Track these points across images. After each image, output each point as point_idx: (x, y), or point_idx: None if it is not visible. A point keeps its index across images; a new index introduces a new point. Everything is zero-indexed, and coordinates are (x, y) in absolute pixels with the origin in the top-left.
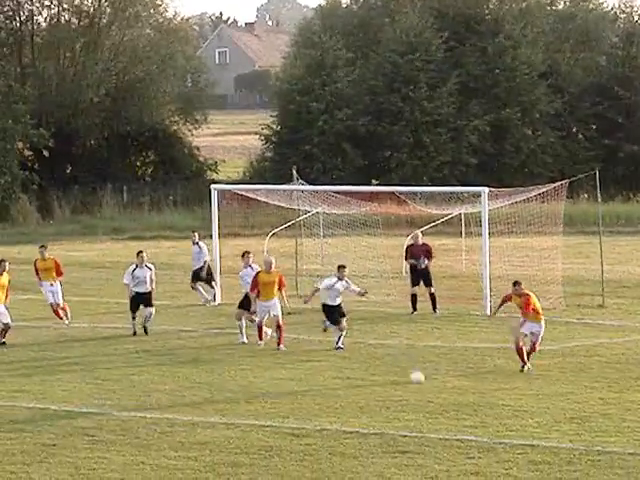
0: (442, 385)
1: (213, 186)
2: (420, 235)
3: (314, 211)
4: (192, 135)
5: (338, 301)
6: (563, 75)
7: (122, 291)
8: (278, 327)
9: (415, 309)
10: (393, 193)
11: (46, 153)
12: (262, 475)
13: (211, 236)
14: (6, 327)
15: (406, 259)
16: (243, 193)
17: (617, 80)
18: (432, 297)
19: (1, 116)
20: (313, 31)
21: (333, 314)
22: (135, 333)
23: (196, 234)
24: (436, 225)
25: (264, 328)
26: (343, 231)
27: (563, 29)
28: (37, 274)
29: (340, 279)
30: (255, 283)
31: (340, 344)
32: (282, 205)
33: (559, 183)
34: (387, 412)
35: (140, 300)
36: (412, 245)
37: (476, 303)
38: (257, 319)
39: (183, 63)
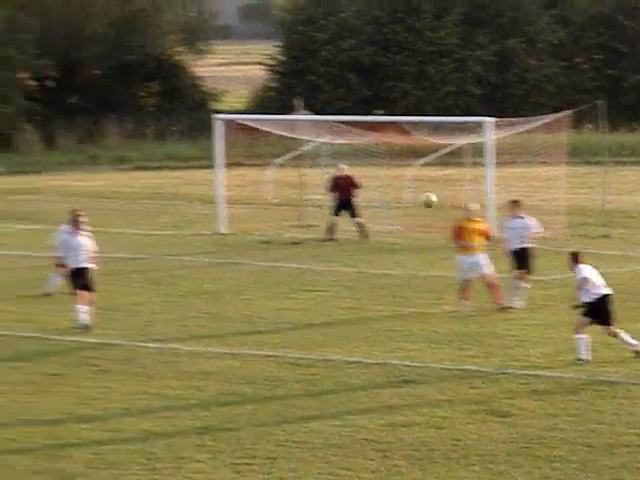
0: (445, 315)
1: (216, 116)
2: (344, 168)
3: (318, 141)
4: (196, 65)
5: None
6: (567, 5)
7: (125, 222)
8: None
9: (333, 239)
10: (397, 123)
11: (50, 83)
12: (266, 405)
13: (214, 166)
14: None
15: (331, 190)
16: (246, 123)
17: (622, 10)
18: (360, 226)
19: (4, 46)
20: None
21: None
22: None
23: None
24: (440, 155)
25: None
26: (347, 161)
27: None
28: None
29: None
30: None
31: None
32: (285, 135)
33: (563, 113)
34: (390, 342)
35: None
36: (338, 177)
37: None
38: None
39: None
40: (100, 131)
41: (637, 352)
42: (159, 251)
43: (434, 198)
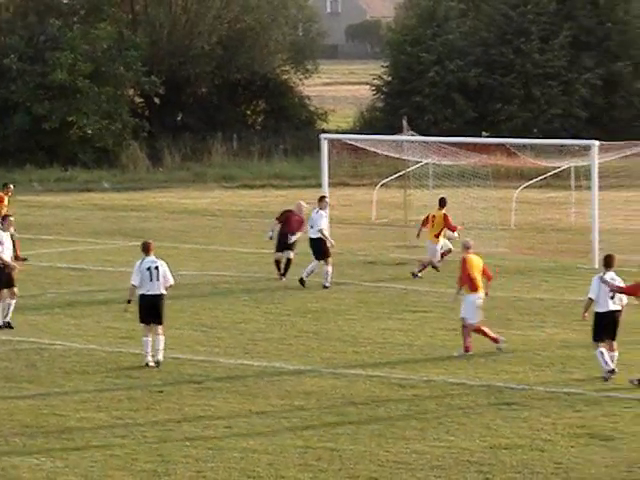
0: (549, 338)
1: (323, 135)
2: (304, 205)
3: (424, 162)
4: (302, 84)
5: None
6: None
7: (230, 240)
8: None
9: (283, 275)
10: (503, 145)
11: (157, 100)
12: (368, 425)
13: (320, 185)
14: None
15: (278, 220)
16: (353, 143)
17: None
18: (288, 262)
19: (113, 63)
20: None
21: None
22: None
23: None
24: (546, 178)
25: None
26: (452, 182)
27: None
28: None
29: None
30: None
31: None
32: (391, 155)
33: None
34: (494, 364)
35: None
36: (291, 212)
37: (584, 256)
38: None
39: (294, 12)
40: (206, 149)
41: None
42: (264, 269)
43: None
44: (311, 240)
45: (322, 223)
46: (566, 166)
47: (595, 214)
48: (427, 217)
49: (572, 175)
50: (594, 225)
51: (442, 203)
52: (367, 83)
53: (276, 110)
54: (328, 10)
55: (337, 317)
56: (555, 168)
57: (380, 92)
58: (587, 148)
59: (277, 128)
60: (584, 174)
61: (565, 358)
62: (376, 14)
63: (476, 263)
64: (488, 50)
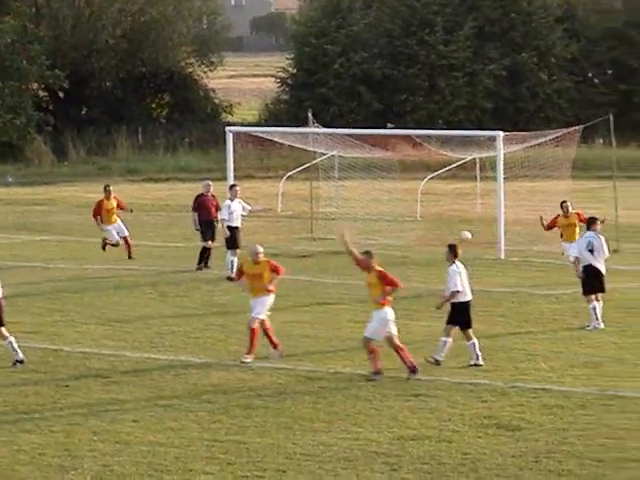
0: (455, 329)
1: (228, 128)
2: (211, 185)
3: (329, 154)
4: (207, 77)
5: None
6: (579, 20)
7: (136, 234)
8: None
9: (206, 265)
10: (409, 136)
11: (61, 94)
12: (275, 417)
13: (226, 178)
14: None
15: (194, 210)
16: (258, 135)
17: (633, 25)
18: (205, 251)
19: (16, 57)
20: None
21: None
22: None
23: None
24: (451, 169)
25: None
26: (358, 174)
27: None
28: (99, 215)
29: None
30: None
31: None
32: (297, 147)
33: (573, 128)
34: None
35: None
36: (203, 196)
37: (490, 247)
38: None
39: (199, 4)
40: (111, 143)
41: (476, 364)
42: (170, 263)
43: (469, 235)
44: (229, 228)
45: (230, 211)
46: (471, 157)
47: (501, 205)
48: None
49: (477, 166)
50: (499, 216)
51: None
52: (272, 75)
53: (181, 103)
54: (232, 3)
55: (244, 310)
56: (460, 159)
57: (285, 84)
58: (492, 139)
59: (182, 121)
60: (489, 165)
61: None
62: (281, 6)
63: None
64: (393, 42)
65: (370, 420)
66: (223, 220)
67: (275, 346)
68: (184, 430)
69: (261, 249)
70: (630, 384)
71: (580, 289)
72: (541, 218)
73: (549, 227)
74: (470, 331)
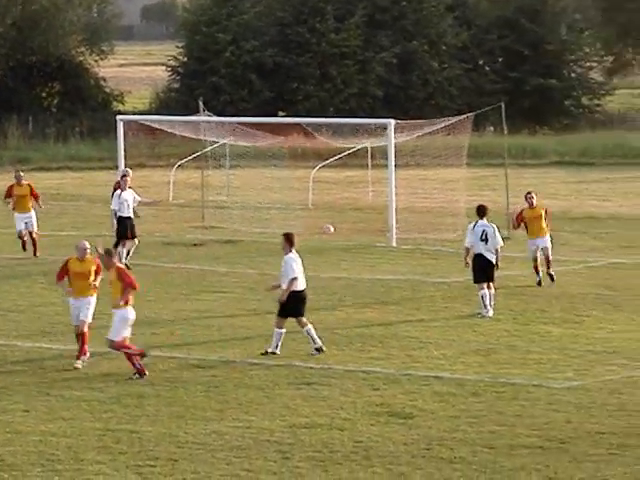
0: (347, 317)
1: (119, 117)
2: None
3: (220, 142)
4: (98, 66)
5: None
6: (470, 8)
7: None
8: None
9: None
10: (300, 125)
11: None
12: (167, 406)
13: (117, 167)
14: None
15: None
16: (149, 124)
17: (524, 13)
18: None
19: None
20: None
21: None
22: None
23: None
24: (342, 157)
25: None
26: (249, 163)
27: None
28: (9, 198)
29: None
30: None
31: None
32: (188, 136)
33: (465, 116)
34: (293, 343)
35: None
36: (117, 183)
37: (382, 235)
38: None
39: None
40: (1, 132)
41: (318, 349)
42: (60, 252)
43: (332, 229)
44: (120, 219)
45: (120, 201)
46: (362, 145)
47: (392, 193)
48: None
49: (369, 154)
50: (391, 204)
51: None
52: (163, 64)
53: (72, 92)
54: None
55: (135, 299)
56: (352, 147)
57: (176, 73)
58: (383, 127)
59: (73, 110)
60: (380, 153)
61: (363, 337)
62: None
63: None
64: (284, 30)
65: (262, 408)
66: (114, 210)
67: (84, 354)
68: (76, 420)
69: (88, 245)
70: (521, 371)
71: (471, 277)
72: (512, 219)
73: (517, 224)
74: (304, 319)
